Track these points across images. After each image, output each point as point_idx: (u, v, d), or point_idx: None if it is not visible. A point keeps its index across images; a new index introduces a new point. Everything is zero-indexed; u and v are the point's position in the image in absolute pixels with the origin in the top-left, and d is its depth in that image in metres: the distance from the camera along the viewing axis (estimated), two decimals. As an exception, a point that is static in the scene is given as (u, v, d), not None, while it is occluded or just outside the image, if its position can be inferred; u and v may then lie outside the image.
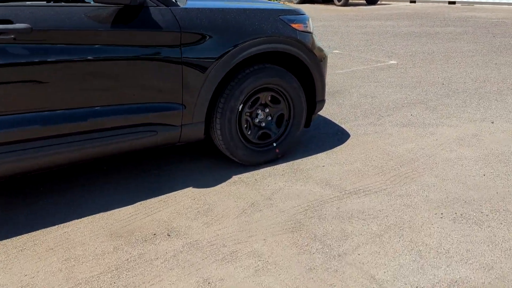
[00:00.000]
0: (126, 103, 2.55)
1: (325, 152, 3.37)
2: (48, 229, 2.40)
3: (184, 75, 2.67)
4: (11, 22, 2.14)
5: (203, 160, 3.26)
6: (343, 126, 3.91)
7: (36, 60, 2.23)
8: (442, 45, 7.79)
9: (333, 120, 4.05)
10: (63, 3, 2.38)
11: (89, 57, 2.38)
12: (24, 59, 2.21)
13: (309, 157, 3.29)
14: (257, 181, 2.93)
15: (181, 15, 2.63)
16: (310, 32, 3.23)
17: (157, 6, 2.57)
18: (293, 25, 3.08)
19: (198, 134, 2.88)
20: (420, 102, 4.51)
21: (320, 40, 6.67)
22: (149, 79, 2.58)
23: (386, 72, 5.87)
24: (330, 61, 6.15)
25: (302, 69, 3.23)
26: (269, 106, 3.13)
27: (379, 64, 6.36)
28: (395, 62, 6.51)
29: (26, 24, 2.16)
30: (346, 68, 6.16)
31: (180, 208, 2.60)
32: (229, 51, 2.78)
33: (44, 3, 2.56)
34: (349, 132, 3.76)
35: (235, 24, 2.82)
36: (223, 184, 2.90)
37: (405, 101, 4.56)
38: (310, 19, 3.33)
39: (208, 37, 2.71)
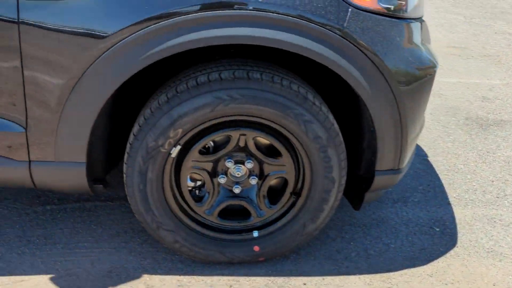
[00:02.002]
0: None
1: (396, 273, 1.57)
2: None
3: (24, 59, 1.18)
4: None
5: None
6: (453, 208, 1.94)
7: None
8: None
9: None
10: None
11: None
12: None
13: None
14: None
15: None
16: (400, 17, 1.37)
17: None
18: (349, -7, 1.26)
19: (74, 183, 1.39)
20: None
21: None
22: None
23: None
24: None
25: (346, 97, 1.44)
26: (254, 156, 1.45)
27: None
28: None
29: None
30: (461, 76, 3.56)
31: None
32: (134, 29, 1.17)
33: None
34: (460, 231, 1.81)
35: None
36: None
37: None
38: None
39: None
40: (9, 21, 1.15)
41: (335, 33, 1.26)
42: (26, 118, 1.26)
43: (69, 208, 1.77)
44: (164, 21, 1.19)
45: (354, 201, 1.65)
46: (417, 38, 1.45)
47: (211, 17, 1.21)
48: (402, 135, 1.44)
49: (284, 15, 1.23)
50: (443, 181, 2.12)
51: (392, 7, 1.35)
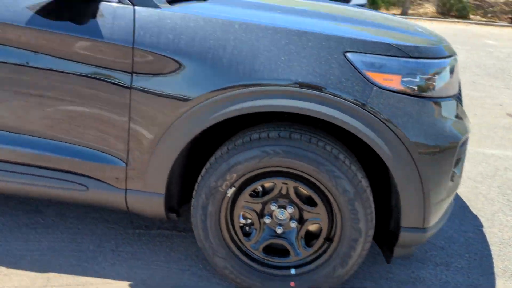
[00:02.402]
0: (42, 134, 1.75)
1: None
2: None
3: (132, 114, 1.66)
4: None
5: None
6: (496, 278, 2.00)
7: None
8: None
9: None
10: None
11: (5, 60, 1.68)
12: None
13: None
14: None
15: (144, 23, 1.61)
16: (425, 97, 1.63)
17: (118, 3, 1.63)
18: (371, 74, 1.57)
19: (154, 209, 1.82)
20: None
21: None
22: (80, 107, 1.70)
23: None
24: None
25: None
26: (294, 203, 1.75)
27: None
28: None
29: None
30: None
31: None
32: (209, 95, 1.59)
33: None
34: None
35: (234, 52, 1.59)
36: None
37: None
38: (451, 68, 1.73)
39: (180, 66, 1.60)
40: (124, 87, 1.66)
41: (361, 107, 1.56)
42: (127, 157, 1.73)
43: (152, 234, 2.21)
44: (229, 92, 1.60)
45: (386, 254, 1.84)
46: (442, 113, 1.68)
47: (267, 91, 1.60)
48: (425, 198, 1.64)
49: (323, 92, 1.57)
50: (493, 252, 2.17)
51: (415, 88, 1.62)
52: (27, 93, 1.70)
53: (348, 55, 1.57)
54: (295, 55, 1.57)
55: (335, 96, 1.55)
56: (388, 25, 2.02)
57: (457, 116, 1.77)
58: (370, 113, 1.56)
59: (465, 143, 1.79)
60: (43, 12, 1.62)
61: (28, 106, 1.72)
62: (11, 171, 1.79)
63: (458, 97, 1.87)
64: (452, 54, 1.85)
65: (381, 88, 1.57)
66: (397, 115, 1.57)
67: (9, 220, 2.22)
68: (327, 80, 1.55)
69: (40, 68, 1.66)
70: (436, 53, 1.73)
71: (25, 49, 1.65)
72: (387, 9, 12.89)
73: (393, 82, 1.58)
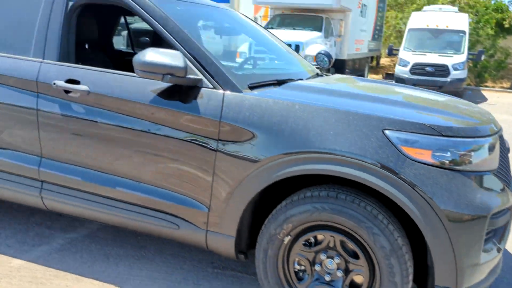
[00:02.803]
0: (150, 182, 2.33)
1: None
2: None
3: (216, 171, 2.17)
4: (77, 82, 2.41)
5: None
6: None
7: (86, 119, 2.40)
8: None
9: None
10: (119, 71, 2.42)
11: (127, 125, 2.32)
12: (80, 114, 2.42)
13: None
14: None
15: (229, 103, 2.14)
16: (450, 169, 1.88)
17: (213, 88, 2.21)
18: (405, 148, 1.89)
19: (226, 249, 2.25)
20: None
21: None
22: (177, 165, 2.25)
23: None
24: None
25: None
26: (341, 255, 2.05)
27: None
28: None
29: (86, 87, 2.37)
30: None
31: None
32: (272, 159, 2.03)
33: (102, 69, 2.47)
34: None
35: (293, 126, 2.03)
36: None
37: None
38: (490, 146, 2.00)
39: (253, 135, 2.08)
40: (212, 150, 2.17)
41: (395, 175, 1.86)
42: (210, 204, 2.21)
43: (227, 274, 2.63)
44: (288, 157, 2.02)
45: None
46: (475, 186, 1.90)
47: (317, 158, 1.99)
48: (456, 262, 1.84)
49: (364, 162, 1.91)
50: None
51: (447, 161, 1.88)
52: (144, 152, 2.31)
53: (386, 132, 1.92)
54: (341, 130, 1.97)
55: (373, 164, 1.89)
56: (434, 107, 2.33)
57: (492, 189, 1.96)
58: (402, 180, 1.85)
59: (501, 214, 1.96)
60: (162, 94, 2.25)
61: (144, 162, 2.32)
62: (128, 209, 2.38)
63: (499, 172, 2.06)
64: (493, 133, 2.08)
65: (413, 160, 1.87)
66: (427, 184, 1.84)
67: (119, 252, 2.82)
68: (366, 151, 1.90)
69: (157, 134, 2.26)
70: (471, 133, 1.98)
71: (147, 120, 2.27)
72: (494, 82, 12.46)
73: (424, 155, 1.87)
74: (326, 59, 3.53)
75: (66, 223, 3.16)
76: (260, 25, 3.64)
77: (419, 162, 1.87)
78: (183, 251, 2.86)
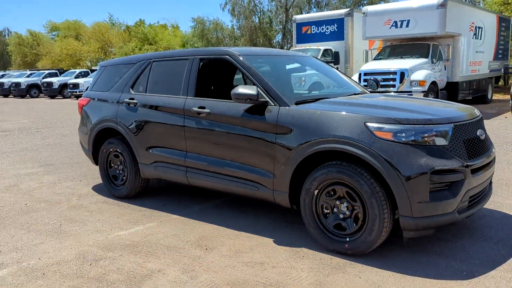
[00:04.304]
0: (243, 162, 3.97)
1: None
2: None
3: (275, 153, 3.71)
4: (203, 108, 4.21)
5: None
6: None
7: (208, 127, 4.18)
8: None
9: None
10: (225, 100, 4.14)
11: (229, 131, 4.02)
12: (205, 126, 4.21)
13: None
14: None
15: (281, 113, 3.69)
16: (399, 142, 3.13)
17: (274, 105, 3.79)
18: (377, 132, 3.20)
19: (284, 201, 3.75)
20: None
21: None
22: (256, 151, 3.85)
23: None
24: None
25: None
26: (347, 200, 3.39)
27: None
28: None
29: (208, 110, 4.17)
30: None
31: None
32: (304, 143, 3.50)
33: (216, 99, 4.25)
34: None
35: (315, 124, 3.47)
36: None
37: None
38: (439, 132, 3.19)
39: (292, 130, 3.59)
40: (273, 141, 3.73)
41: (370, 148, 3.18)
42: (274, 173, 3.75)
43: (294, 226, 4.08)
44: (310, 142, 3.47)
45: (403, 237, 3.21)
46: (422, 154, 3.10)
47: (328, 140, 3.39)
48: (409, 200, 3.06)
49: (352, 141, 3.26)
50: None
51: (403, 139, 3.13)
52: (238, 145, 3.95)
53: (367, 123, 3.26)
54: (341, 124, 3.36)
55: (358, 142, 3.24)
56: (406, 108, 3.56)
57: (435, 157, 3.12)
58: (373, 150, 3.16)
59: (446, 173, 3.09)
60: (247, 110, 3.89)
61: (238, 150, 3.97)
62: (231, 180, 4.06)
63: (451, 147, 3.20)
64: (448, 122, 3.24)
65: (380, 138, 3.17)
66: (388, 152, 3.12)
67: (234, 214, 4.50)
68: (354, 135, 3.26)
69: (244, 135, 3.90)
70: (422, 122, 3.20)
71: (239, 126, 3.93)
72: None
73: (387, 135, 3.16)
74: (374, 83, 4.87)
75: (201, 196, 4.98)
76: (325, 62, 5.04)
77: (384, 140, 3.17)
78: (269, 213, 4.40)
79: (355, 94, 4.44)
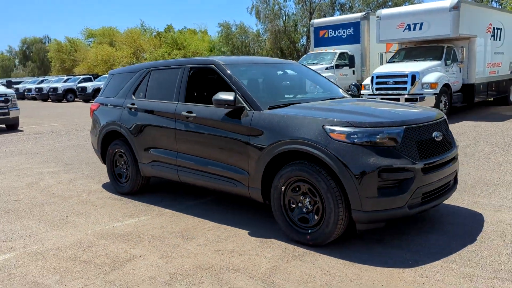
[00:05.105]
0: (223, 161, 4.38)
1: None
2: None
3: (249, 153, 4.11)
4: (191, 112, 4.66)
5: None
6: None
7: (194, 130, 4.63)
8: None
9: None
10: (208, 105, 4.55)
11: (212, 133, 4.45)
12: (192, 128, 4.66)
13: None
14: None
15: (255, 117, 4.09)
16: (351, 143, 3.46)
17: (249, 110, 4.19)
18: (333, 134, 3.54)
19: (258, 197, 4.13)
20: None
21: None
22: (233, 151, 4.26)
23: None
24: None
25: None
26: (309, 196, 3.75)
27: None
28: None
29: (194, 114, 4.62)
30: None
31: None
32: (272, 144, 3.88)
33: (202, 105, 4.66)
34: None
35: (282, 127, 3.85)
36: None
37: None
38: (384, 134, 3.48)
39: (263, 133, 3.97)
40: (245, 143, 4.11)
41: (325, 148, 3.52)
42: (248, 171, 4.14)
43: (270, 215, 4.46)
44: (277, 143, 3.84)
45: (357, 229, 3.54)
46: (371, 153, 3.42)
47: (291, 141, 3.75)
48: (359, 195, 3.39)
49: (311, 142, 3.62)
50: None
51: (355, 140, 3.46)
52: (219, 146, 4.36)
53: (324, 126, 3.61)
54: (303, 127, 3.72)
55: (316, 143, 3.59)
56: (364, 112, 3.88)
57: (383, 156, 3.43)
58: (328, 150, 3.51)
59: (394, 171, 3.40)
60: (227, 114, 4.30)
61: (219, 150, 4.39)
62: (213, 178, 4.48)
63: (402, 146, 3.50)
64: (401, 125, 3.54)
65: (335, 140, 3.51)
66: (341, 152, 3.46)
67: (216, 208, 4.92)
68: (312, 136, 3.62)
69: (224, 136, 4.32)
70: (374, 125, 3.51)
71: (219, 128, 4.35)
72: None
73: (341, 137, 3.50)
74: (355, 88, 5.17)
75: (194, 194, 5.43)
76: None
77: (338, 141, 3.51)
78: (251, 209, 4.80)
79: (333, 98, 4.78)
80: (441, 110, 11.75)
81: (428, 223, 4.18)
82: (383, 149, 3.49)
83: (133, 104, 5.43)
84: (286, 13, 37.37)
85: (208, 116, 4.49)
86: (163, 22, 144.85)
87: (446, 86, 11.86)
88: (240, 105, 4.21)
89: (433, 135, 3.78)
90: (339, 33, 16.05)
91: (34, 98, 35.31)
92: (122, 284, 3.19)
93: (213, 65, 4.69)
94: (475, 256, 3.42)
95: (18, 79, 54.62)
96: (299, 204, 3.82)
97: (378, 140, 3.49)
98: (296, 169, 3.73)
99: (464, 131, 9.85)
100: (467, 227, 4.05)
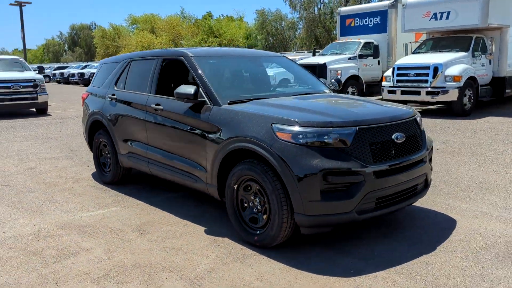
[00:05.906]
0: (185, 156, 4.30)
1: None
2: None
3: (207, 149, 4.00)
4: (159, 104, 4.59)
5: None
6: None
7: (161, 123, 4.56)
8: None
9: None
10: (174, 98, 4.45)
11: (176, 126, 4.37)
12: (159, 121, 4.60)
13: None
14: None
15: (213, 112, 3.96)
16: (296, 144, 3.28)
17: (209, 104, 4.07)
18: (278, 134, 3.36)
19: (215, 193, 4.03)
20: None
21: None
22: (194, 146, 4.16)
23: None
24: None
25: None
26: (259, 196, 3.60)
27: None
28: None
29: (162, 106, 4.54)
30: None
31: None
32: (225, 140, 3.75)
33: (169, 98, 4.55)
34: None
35: (235, 123, 3.70)
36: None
37: None
38: (331, 135, 3.28)
39: (220, 129, 3.84)
40: (204, 139, 3.99)
41: (270, 148, 3.35)
42: (206, 167, 4.03)
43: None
44: (231, 139, 3.70)
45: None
46: (316, 155, 3.22)
47: (242, 139, 3.61)
48: (301, 198, 3.21)
49: (258, 141, 3.45)
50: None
51: (301, 141, 3.27)
52: (182, 139, 4.28)
53: (273, 125, 3.43)
54: (254, 124, 3.56)
55: (262, 142, 3.43)
56: (318, 110, 3.66)
57: (328, 158, 3.22)
58: (273, 150, 3.34)
59: (340, 174, 3.19)
60: (190, 108, 4.19)
61: (182, 144, 4.31)
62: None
63: (352, 148, 3.27)
64: (353, 125, 3.31)
65: (280, 139, 3.34)
66: (285, 152, 3.28)
67: (184, 202, 4.86)
68: (260, 135, 3.45)
69: (185, 130, 4.22)
70: (323, 125, 3.30)
71: (182, 122, 4.26)
72: None
73: (287, 137, 3.32)
74: (336, 83, 4.92)
75: (173, 187, 5.40)
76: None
77: (283, 140, 3.33)
78: (221, 206, 4.70)
79: (305, 94, 4.58)
80: (465, 104, 11.13)
81: (392, 228, 3.93)
82: (331, 150, 3.28)
83: (113, 94, 5.43)
84: (322, 0, 36.55)
85: (174, 110, 4.40)
86: (203, 9, 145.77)
87: (472, 79, 11.17)
88: (201, 99, 4.10)
89: (393, 136, 3.51)
90: (366, 22, 15.45)
91: (77, 83, 36.56)
92: (54, 279, 3.20)
93: (182, 57, 4.58)
94: (424, 268, 3.16)
95: (65, 64, 56.90)
96: (250, 204, 3.69)
97: (326, 140, 3.28)
98: (246, 168, 3.59)
99: (484, 128, 9.25)
100: (433, 234, 3.77)
